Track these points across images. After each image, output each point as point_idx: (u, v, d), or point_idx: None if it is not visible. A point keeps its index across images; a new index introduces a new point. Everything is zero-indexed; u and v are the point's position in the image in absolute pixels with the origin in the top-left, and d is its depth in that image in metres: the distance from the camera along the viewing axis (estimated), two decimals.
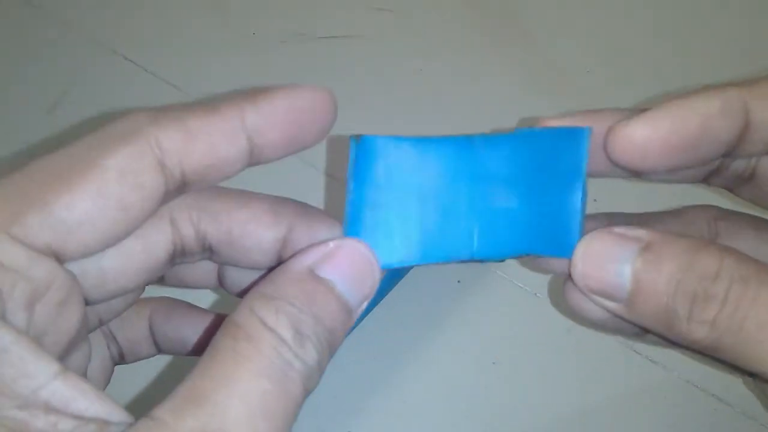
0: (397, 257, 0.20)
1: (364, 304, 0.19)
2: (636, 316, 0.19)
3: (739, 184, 0.22)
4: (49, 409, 0.14)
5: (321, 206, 0.39)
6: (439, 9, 0.47)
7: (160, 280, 0.22)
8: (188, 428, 0.15)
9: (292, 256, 0.19)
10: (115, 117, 0.17)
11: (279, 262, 0.19)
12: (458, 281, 0.36)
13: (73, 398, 0.15)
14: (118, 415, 0.15)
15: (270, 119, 0.19)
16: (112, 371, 0.23)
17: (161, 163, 0.17)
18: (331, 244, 0.19)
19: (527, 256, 0.21)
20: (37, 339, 0.15)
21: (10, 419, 0.14)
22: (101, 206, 0.16)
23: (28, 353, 0.14)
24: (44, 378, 0.15)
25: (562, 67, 0.44)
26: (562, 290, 0.21)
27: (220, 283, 0.23)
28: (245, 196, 0.21)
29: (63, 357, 0.17)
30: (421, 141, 0.20)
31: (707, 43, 0.46)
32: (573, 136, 0.20)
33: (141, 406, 0.15)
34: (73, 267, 0.17)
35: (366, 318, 0.34)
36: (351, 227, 0.20)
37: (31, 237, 0.15)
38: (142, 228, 0.18)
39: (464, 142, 0.21)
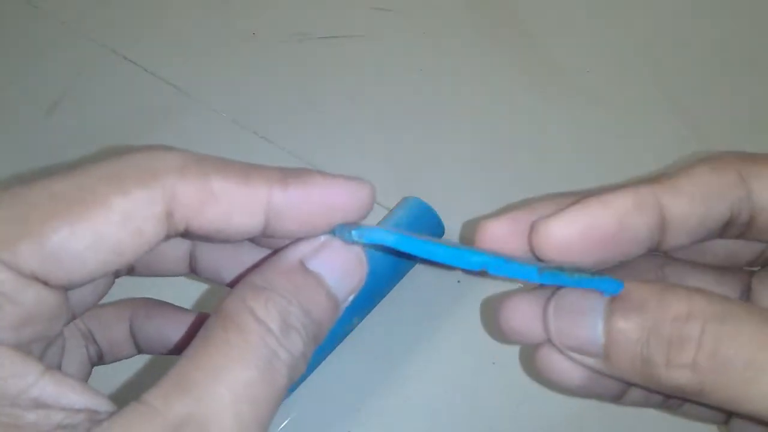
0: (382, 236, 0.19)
1: (351, 298, 0.19)
2: (615, 370, 0.19)
3: None
4: (39, 404, 0.15)
5: None
6: (439, 9, 0.47)
7: (130, 271, 0.21)
8: (175, 413, 0.15)
9: (284, 247, 0.19)
10: (142, 147, 0.17)
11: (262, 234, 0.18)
12: (458, 281, 0.36)
13: (62, 393, 0.15)
14: (105, 406, 0.16)
15: (296, 207, 0.18)
16: (90, 372, 0.23)
17: (169, 214, 0.16)
18: (322, 238, 0.19)
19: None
20: (22, 347, 0.16)
21: (3, 415, 0.14)
22: (96, 247, 0.16)
23: (15, 357, 0.15)
24: (32, 377, 0.15)
25: (562, 67, 0.44)
26: (533, 360, 0.21)
27: (192, 269, 0.22)
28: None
29: (41, 355, 0.17)
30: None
31: (707, 43, 0.46)
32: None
33: (122, 401, 0.15)
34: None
35: (366, 318, 0.34)
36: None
37: (21, 264, 0.15)
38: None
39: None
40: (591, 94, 0.43)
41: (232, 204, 0.17)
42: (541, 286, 0.20)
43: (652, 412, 0.31)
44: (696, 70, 0.45)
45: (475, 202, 0.39)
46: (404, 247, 0.19)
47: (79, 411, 0.15)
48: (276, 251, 0.19)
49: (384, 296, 0.35)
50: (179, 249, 0.22)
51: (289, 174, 0.18)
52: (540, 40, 0.45)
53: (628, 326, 0.18)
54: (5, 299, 0.15)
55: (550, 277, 0.19)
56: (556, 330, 0.19)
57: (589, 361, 0.19)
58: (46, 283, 0.16)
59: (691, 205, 0.19)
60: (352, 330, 0.33)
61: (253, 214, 0.17)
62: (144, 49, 0.44)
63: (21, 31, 0.45)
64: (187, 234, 0.17)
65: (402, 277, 0.35)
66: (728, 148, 0.43)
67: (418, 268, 0.36)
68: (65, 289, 0.16)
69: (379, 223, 0.35)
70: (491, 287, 0.36)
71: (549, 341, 0.20)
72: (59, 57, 0.43)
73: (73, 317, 0.21)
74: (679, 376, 0.17)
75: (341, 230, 0.19)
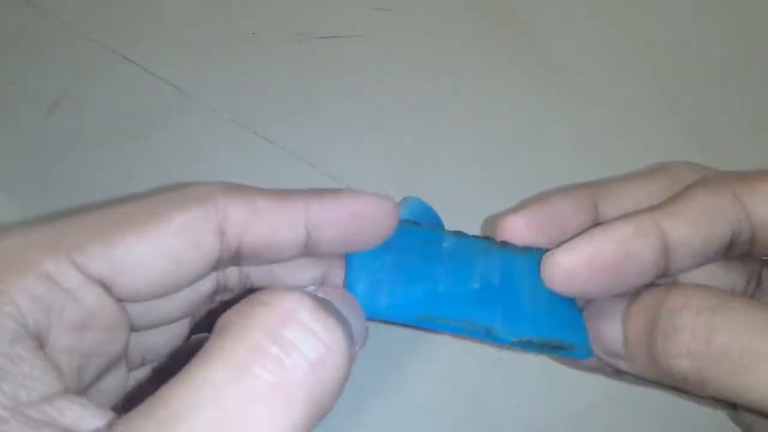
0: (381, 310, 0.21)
1: (359, 348, 0.18)
2: (638, 368, 0.19)
3: None
4: (33, 420, 0.14)
5: None
6: (439, 9, 0.47)
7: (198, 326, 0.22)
8: None
9: None
10: (191, 184, 0.18)
11: None
12: None
13: (69, 413, 0.14)
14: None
15: (331, 218, 0.19)
16: None
17: (222, 230, 0.18)
18: (313, 287, 0.19)
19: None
20: (83, 359, 0.16)
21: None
22: (156, 254, 0.17)
23: (43, 368, 0.14)
24: (45, 391, 0.14)
25: (562, 67, 0.44)
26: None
27: None
28: None
29: (98, 378, 0.17)
30: (407, 228, 0.22)
31: (707, 43, 0.46)
32: None
33: None
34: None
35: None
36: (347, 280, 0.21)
37: (88, 266, 0.16)
38: None
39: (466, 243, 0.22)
40: (591, 94, 0.43)
41: (276, 218, 0.18)
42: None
43: (652, 413, 0.31)
44: (696, 70, 0.45)
45: (475, 202, 0.39)
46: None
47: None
48: None
49: None
50: (183, 321, 0.22)
51: (323, 191, 0.20)
52: (540, 40, 0.45)
53: (636, 324, 0.19)
54: (69, 297, 0.16)
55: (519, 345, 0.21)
56: (592, 336, 0.20)
57: (621, 363, 0.20)
58: (110, 289, 0.16)
59: (692, 228, 0.19)
60: None
61: (295, 228, 0.19)
62: (144, 49, 0.44)
63: (21, 31, 0.45)
64: (239, 256, 0.18)
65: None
66: (728, 148, 0.43)
67: None
68: (128, 300, 0.17)
69: None
70: None
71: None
72: (59, 57, 0.43)
73: (143, 362, 0.21)
74: (679, 365, 0.18)
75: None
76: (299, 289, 0.16)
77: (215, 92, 0.42)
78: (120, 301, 0.17)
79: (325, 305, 0.16)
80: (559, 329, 0.21)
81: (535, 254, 0.22)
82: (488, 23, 0.46)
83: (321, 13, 0.46)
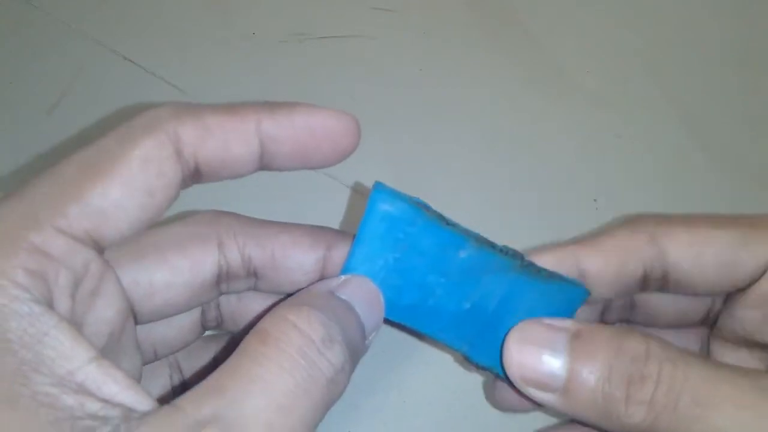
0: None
1: (373, 335, 0.20)
2: (572, 405, 0.19)
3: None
4: (80, 389, 0.15)
5: (318, 207, 0.39)
6: (439, 9, 0.47)
7: (158, 353, 0.22)
8: (203, 415, 0.15)
9: (307, 287, 0.20)
10: (139, 112, 0.19)
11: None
12: None
13: (104, 383, 0.15)
14: (147, 404, 0.16)
15: (284, 131, 0.20)
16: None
17: (179, 152, 0.18)
18: (343, 277, 0.20)
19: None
20: (77, 326, 0.16)
21: (42, 395, 0.14)
22: (130, 193, 0.17)
23: (68, 338, 0.15)
24: (80, 361, 0.15)
25: (562, 67, 0.44)
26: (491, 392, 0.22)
27: (203, 325, 0.24)
28: (285, 224, 0.22)
29: (104, 353, 0.17)
30: (433, 227, 0.20)
31: (707, 43, 0.46)
32: (573, 292, 0.22)
33: None
34: (125, 278, 0.19)
35: None
36: (348, 265, 0.21)
37: (72, 227, 0.17)
38: (189, 247, 0.20)
39: (473, 250, 0.21)
40: (591, 94, 0.43)
41: (227, 133, 0.19)
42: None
43: None
44: (696, 70, 0.45)
45: (475, 202, 0.39)
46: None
47: (115, 405, 0.15)
48: (287, 296, 0.20)
49: None
50: (193, 315, 0.23)
51: (275, 104, 0.20)
52: (540, 40, 0.45)
53: (592, 363, 0.19)
54: (61, 265, 0.16)
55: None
56: (517, 363, 0.20)
57: (546, 396, 0.20)
58: (100, 243, 0.17)
59: (605, 261, 0.22)
60: None
61: (248, 141, 0.19)
62: (144, 49, 0.44)
63: (21, 31, 0.45)
64: (198, 174, 0.19)
65: None
66: (728, 146, 0.43)
67: None
68: (115, 243, 0.18)
69: None
70: None
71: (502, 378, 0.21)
72: (59, 57, 0.43)
73: (156, 356, 0.22)
74: (636, 414, 0.18)
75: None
76: (324, 293, 0.18)
77: (215, 92, 0.42)
78: (111, 245, 0.18)
79: (332, 332, 0.17)
80: None
81: (555, 285, 0.21)
82: (488, 23, 0.46)
83: (321, 13, 0.46)
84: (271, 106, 0.20)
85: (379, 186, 0.20)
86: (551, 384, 0.20)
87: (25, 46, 0.44)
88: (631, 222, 0.23)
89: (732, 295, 0.23)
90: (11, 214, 0.16)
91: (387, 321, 0.21)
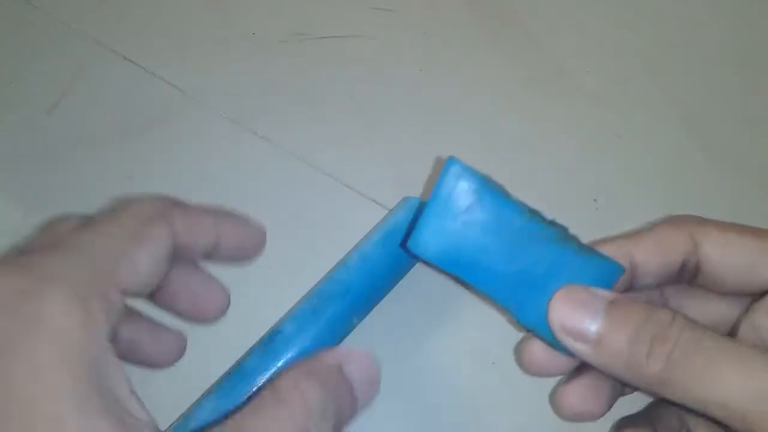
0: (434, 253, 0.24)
1: (362, 412, 0.24)
2: (601, 356, 0.23)
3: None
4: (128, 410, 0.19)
5: (319, 207, 0.39)
6: (439, 9, 0.47)
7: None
8: None
9: (328, 349, 0.24)
10: (138, 200, 0.25)
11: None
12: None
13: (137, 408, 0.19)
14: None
15: (231, 239, 0.28)
16: None
17: (174, 236, 0.24)
18: (353, 351, 0.24)
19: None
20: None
21: (116, 405, 0.18)
22: (149, 262, 0.23)
23: (120, 369, 0.19)
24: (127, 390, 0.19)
25: (562, 67, 0.44)
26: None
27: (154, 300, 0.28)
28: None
29: None
30: (496, 196, 0.24)
31: (707, 42, 0.46)
32: (610, 268, 0.25)
33: None
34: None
35: (365, 317, 0.34)
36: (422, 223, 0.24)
37: (120, 281, 0.21)
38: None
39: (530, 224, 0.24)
40: (591, 94, 0.43)
41: (201, 228, 0.26)
42: None
43: None
44: (696, 70, 0.45)
45: None
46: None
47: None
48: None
49: (384, 296, 0.35)
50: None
51: (229, 214, 0.29)
52: (540, 40, 0.45)
53: (625, 322, 0.23)
54: (113, 306, 0.21)
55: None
56: (560, 314, 0.23)
57: (580, 346, 0.23)
58: (125, 290, 0.22)
59: (652, 253, 0.25)
60: (352, 330, 0.33)
61: (209, 236, 0.27)
62: (144, 49, 0.44)
63: (21, 30, 0.45)
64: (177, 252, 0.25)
65: (402, 277, 0.35)
66: (728, 146, 0.43)
67: (419, 267, 0.36)
68: (131, 293, 0.22)
69: (378, 225, 0.35)
70: None
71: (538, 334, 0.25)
72: (59, 57, 0.43)
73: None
74: (654, 365, 0.22)
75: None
76: (323, 367, 0.22)
77: (215, 92, 0.42)
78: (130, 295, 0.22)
79: (327, 413, 0.21)
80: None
81: (595, 260, 0.24)
82: (488, 23, 0.46)
83: (321, 13, 0.46)
84: (225, 215, 0.28)
85: (453, 158, 0.24)
86: (586, 335, 0.23)
87: (25, 46, 0.44)
88: (673, 220, 0.26)
89: (752, 303, 0.26)
90: (85, 264, 0.21)
91: (448, 274, 0.24)
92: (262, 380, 0.30)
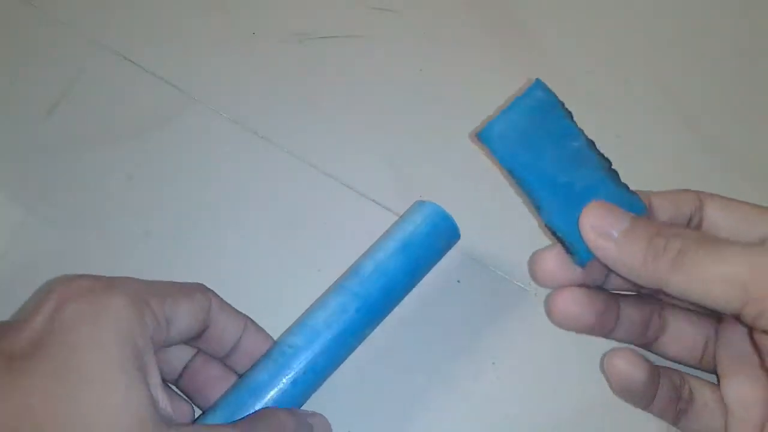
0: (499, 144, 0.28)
1: None
2: (621, 251, 0.26)
3: None
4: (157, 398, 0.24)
5: (319, 207, 0.39)
6: (439, 9, 0.47)
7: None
8: None
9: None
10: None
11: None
12: (458, 281, 0.36)
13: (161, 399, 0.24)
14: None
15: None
16: None
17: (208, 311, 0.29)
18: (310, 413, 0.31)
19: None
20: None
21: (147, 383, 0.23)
22: (188, 314, 0.27)
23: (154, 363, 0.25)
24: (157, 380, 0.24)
25: (562, 67, 0.44)
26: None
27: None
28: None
29: None
30: (563, 118, 0.29)
31: (707, 43, 0.46)
32: (636, 204, 0.29)
33: None
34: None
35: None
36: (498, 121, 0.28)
37: (163, 312, 0.26)
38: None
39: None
40: (591, 94, 0.43)
41: (223, 318, 0.30)
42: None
43: (650, 417, 0.31)
44: (696, 70, 0.45)
45: (475, 203, 0.39)
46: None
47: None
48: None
49: (396, 306, 0.34)
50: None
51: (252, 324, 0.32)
52: (540, 40, 0.45)
53: (645, 225, 0.27)
54: (159, 327, 0.25)
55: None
56: (593, 215, 0.27)
57: (604, 242, 0.27)
58: (167, 327, 0.26)
59: (667, 202, 0.30)
60: (362, 341, 0.33)
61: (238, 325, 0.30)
62: (144, 49, 0.44)
63: (21, 31, 0.45)
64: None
65: (411, 289, 0.34)
66: (728, 147, 0.43)
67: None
68: (170, 337, 0.26)
69: (392, 231, 0.34)
70: (491, 287, 0.36)
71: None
72: (59, 57, 0.43)
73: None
74: (666, 257, 0.25)
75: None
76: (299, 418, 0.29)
77: (215, 92, 0.42)
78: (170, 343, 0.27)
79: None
80: (576, 238, 0.28)
81: (627, 194, 0.28)
82: (488, 23, 0.46)
83: (321, 13, 0.46)
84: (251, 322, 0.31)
85: (539, 80, 0.29)
86: (611, 233, 0.27)
87: (25, 46, 0.44)
88: (687, 191, 0.30)
89: (721, 325, 0.30)
90: (147, 290, 0.26)
91: (503, 165, 0.28)
92: (272, 394, 0.29)
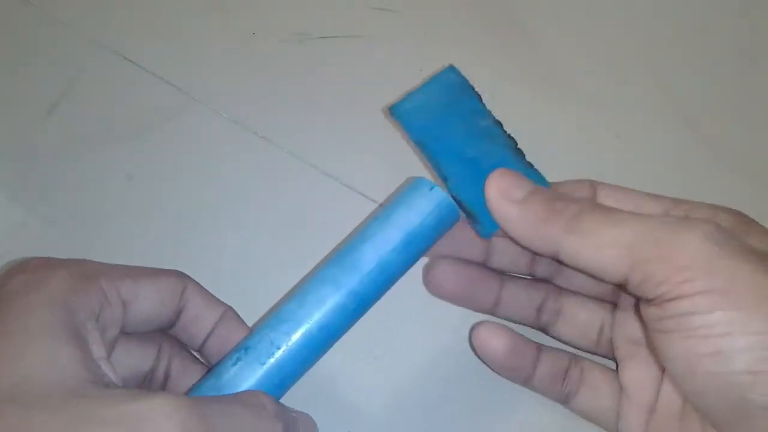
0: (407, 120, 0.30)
1: None
2: (523, 211, 0.27)
3: None
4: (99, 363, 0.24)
5: (319, 207, 0.39)
6: (439, 9, 0.47)
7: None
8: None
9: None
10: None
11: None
12: None
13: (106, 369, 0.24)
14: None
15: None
16: None
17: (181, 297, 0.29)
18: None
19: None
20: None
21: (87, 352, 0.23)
22: (154, 294, 0.27)
23: (98, 338, 0.24)
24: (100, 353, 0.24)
25: (562, 67, 0.44)
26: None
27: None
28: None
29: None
30: (473, 98, 0.31)
31: (707, 43, 0.46)
32: (541, 182, 0.30)
33: None
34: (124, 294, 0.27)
35: (365, 317, 0.34)
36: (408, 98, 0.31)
37: (121, 290, 0.26)
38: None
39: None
40: (591, 94, 0.43)
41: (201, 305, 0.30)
42: None
43: None
44: (696, 70, 0.45)
45: None
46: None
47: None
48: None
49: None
50: None
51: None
52: (540, 40, 0.45)
53: (543, 191, 0.28)
54: (108, 305, 0.25)
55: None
56: (498, 180, 0.28)
57: (508, 207, 0.27)
58: (126, 307, 0.26)
59: (564, 190, 0.30)
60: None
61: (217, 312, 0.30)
62: (144, 49, 0.44)
63: (20, 31, 0.45)
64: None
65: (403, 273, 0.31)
66: (728, 147, 0.43)
67: (419, 264, 0.36)
68: (130, 318, 0.27)
69: (395, 215, 0.30)
70: None
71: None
72: (59, 57, 0.43)
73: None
74: (563, 218, 0.26)
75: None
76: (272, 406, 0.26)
77: (215, 92, 0.42)
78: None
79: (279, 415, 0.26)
80: (482, 209, 0.28)
81: (531, 172, 0.30)
82: (488, 23, 0.46)
83: (321, 13, 0.46)
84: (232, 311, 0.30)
85: (452, 66, 0.31)
86: (515, 196, 0.27)
87: (25, 46, 0.44)
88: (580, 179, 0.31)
89: (616, 312, 0.31)
90: (99, 268, 0.26)
91: (411, 138, 0.30)
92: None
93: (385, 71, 0.44)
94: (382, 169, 0.40)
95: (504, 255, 0.32)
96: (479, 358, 0.32)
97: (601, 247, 0.25)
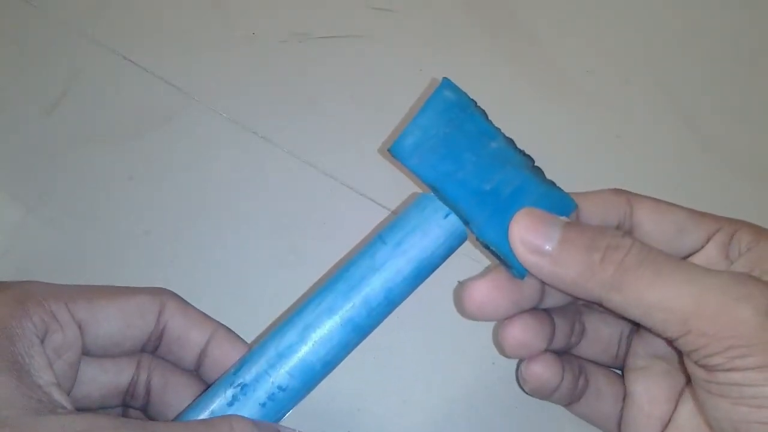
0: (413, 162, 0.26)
1: None
2: (556, 267, 0.25)
3: None
4: (46, 391, 0.22)
5: (319, 207, 0.39)
6: (439, 9, 0.47)
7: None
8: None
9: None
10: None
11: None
12: (458, 281, 0.36)
13: (56, 395, 0.22)
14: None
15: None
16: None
17: (161, 315, 0.27)
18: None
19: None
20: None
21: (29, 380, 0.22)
22: (117, 316, 0.26)
23: (45, 363, 0.23)
24: (48, 379, 0.23)
25: (562, 67, 0.44)
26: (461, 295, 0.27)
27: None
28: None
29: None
30: (478, 117, 0.27)
31: (707, 43, 0.46)
32: (566, 201, 0.27)
33: None
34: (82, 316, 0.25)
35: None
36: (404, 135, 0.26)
37: (74, 312, 0.25)
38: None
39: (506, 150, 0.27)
40: (592, 94, 0.43)
41: (188, 324, 0.28)
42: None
43: None
44: (696, 69, 0.45)
45: None
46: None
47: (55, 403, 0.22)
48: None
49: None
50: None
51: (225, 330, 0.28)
52: (540, 40, 0.45)
53: (580, 234, 0.25)
54: (59, 327, 0.24)
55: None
56: (521, 227, 0.25)
57: (537, 259, 0.25)
58: (83, 330, 0.25)
59: (596, 206, 0.28)
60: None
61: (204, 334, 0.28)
62: (144, 49, 0.44)
63: (20, 31, 0.45)
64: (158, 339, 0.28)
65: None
66: (728, 146, 0.43)
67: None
68: (90, 342, 0.25)
69: (403, 240, 0.27)
70: None
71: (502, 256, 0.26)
72: (59, 57, 0.43)
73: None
74: (606, 270, 0.24)
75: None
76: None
77: (215, 92, 0.42)
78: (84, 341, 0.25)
79: None
80: (511, 253, 0.25)
81: (555, 192, 0.27)
82: (488, 23, 0.46)
83: (321, 13, 0.46)
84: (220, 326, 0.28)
85: (446, 79, 0.26)
86: (543, 248, 0.25)
87: (25, 46, 0.44)
88: (615, 188, 0.29)
89: (638, 328, 0.29)
90: (46, 288, 0.25)
91: (423, 180, 0.26)
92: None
93: (385, 71, 0.44)
94: (382, 169, 0.40)
95: (553, 295, 0.29)
96: (526, 389, 0.30)
97: (649, 308, 0.23)
